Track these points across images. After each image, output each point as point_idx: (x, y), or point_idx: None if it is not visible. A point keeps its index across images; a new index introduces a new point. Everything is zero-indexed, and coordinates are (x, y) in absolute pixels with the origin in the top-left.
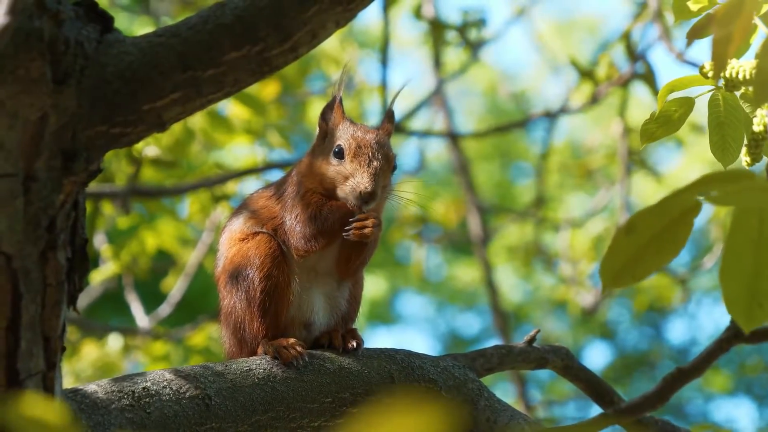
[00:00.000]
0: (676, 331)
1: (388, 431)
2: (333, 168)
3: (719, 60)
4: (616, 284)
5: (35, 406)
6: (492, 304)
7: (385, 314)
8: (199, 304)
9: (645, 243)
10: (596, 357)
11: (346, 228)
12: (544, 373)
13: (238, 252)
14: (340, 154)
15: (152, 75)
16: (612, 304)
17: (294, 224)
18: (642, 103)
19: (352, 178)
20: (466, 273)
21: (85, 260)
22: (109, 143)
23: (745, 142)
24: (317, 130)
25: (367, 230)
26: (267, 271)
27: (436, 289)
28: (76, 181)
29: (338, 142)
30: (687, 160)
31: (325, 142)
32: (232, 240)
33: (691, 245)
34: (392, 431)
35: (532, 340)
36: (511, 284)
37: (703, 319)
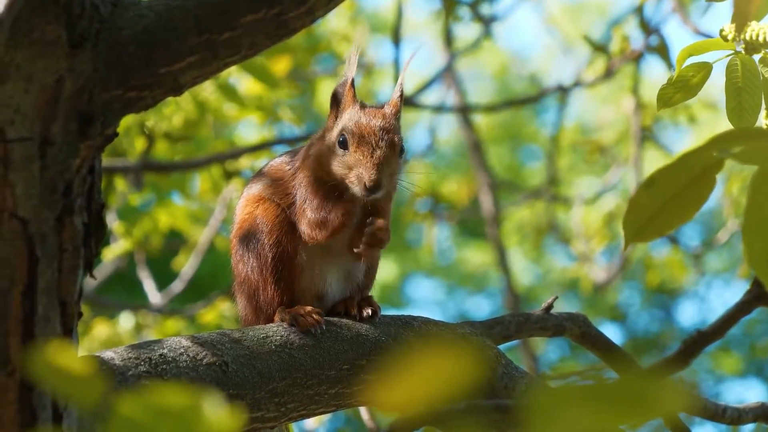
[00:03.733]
0: (687, 314)
1: (420, 369)
2: (339, 159)
3: (741, 17)
4: (638, 238)
5: (61, 355)
6: (504, 281)
7: (395, 298)
8: (210, 284)
9: (667, 198)
10: None
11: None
12: (554, 353)
13: (249, 216)
14: (344, 144)
15: (168, 38)
16: (623, 286)
17: (304, 208)
18: (653, 84)
19: (356, 169)
20: (476, 256)
21: (102, 226)
22: (126, 107)
23: (765, 105)
24: (330, 110)
25: (380, 238)
26: (276, 238)
27: (447, 272)
28: (93, 146)
29: (343, 131)
30: (699, 140)
31: (335, 126)
32: (246, 204)
33: (702, 226)
34: (424, 369)
35: (550, 307)
36: (521, 267)
37: (714, 302)
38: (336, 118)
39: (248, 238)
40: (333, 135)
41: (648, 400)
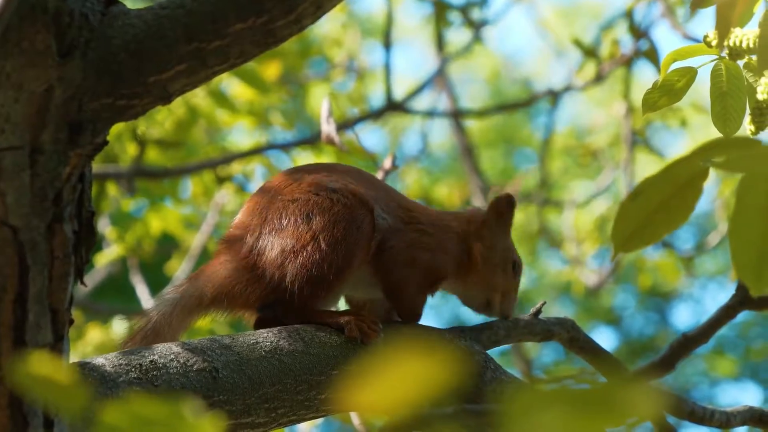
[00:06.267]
0: (682, 317)
1: (399, 371)
2: (503, 277)
3: (723, 25)
4: (626, 248)
5: (45, 365)
6: None
7: None
8: None
9: (654, 208)
10: (602, 343)
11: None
12: (547, 357)
13: (351, 206)
14: (516, 270)
15: (157, 47)
16: (617, 290)
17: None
18: (645, 88)
19: (506, 296)
20: None
21: (92, 233)
22: (115, 115)
23: (749, 111)
24: (497, 209)
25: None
26: (367, 245)
27: None
28: (82, 154)
29: (516, 258)
30: (691, 144)
31: (494, 243)
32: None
33: (695, 229)
34: (403, 373)
35: (538, 312)
36: None
37: (708, 304)
38: (500, 228)
39: (343, 221)
40: (505, 253)
41: (626, 403)
